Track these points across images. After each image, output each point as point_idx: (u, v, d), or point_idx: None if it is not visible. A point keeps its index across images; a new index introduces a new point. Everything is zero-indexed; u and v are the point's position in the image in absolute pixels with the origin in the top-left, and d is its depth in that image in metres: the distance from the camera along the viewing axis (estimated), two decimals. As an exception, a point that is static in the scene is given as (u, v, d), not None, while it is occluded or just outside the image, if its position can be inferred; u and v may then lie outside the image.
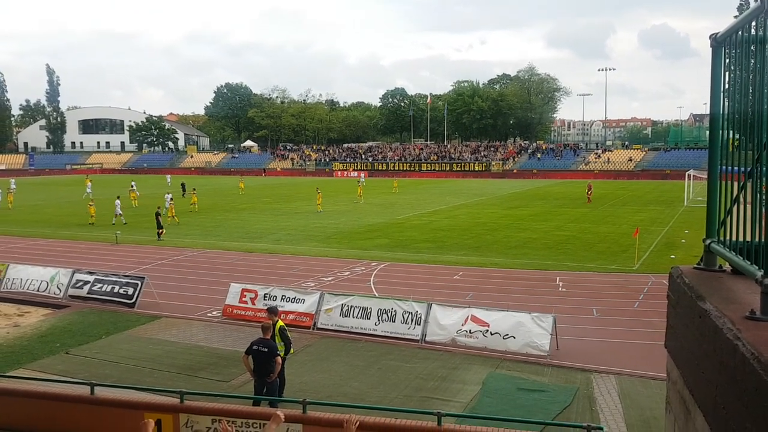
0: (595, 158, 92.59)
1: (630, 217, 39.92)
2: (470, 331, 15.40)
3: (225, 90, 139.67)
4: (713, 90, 2.92)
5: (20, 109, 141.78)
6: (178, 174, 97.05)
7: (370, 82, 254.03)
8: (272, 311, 12.39)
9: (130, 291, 19.74)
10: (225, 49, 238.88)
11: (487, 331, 15.23)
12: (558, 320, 15.17)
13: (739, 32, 2.61)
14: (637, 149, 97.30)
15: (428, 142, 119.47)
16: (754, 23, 2.40)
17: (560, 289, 21.31)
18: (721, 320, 2.23)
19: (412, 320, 16.15)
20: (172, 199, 42.43)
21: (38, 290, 20.89)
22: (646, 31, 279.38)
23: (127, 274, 21.44)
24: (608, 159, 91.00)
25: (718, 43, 2.88)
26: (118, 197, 40.11)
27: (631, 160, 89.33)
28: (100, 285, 20.20)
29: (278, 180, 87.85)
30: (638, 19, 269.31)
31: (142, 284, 19.87)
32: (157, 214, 32.73)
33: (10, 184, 61.32)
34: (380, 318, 16.49)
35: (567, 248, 28.95)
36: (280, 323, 12.03)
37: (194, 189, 50.30)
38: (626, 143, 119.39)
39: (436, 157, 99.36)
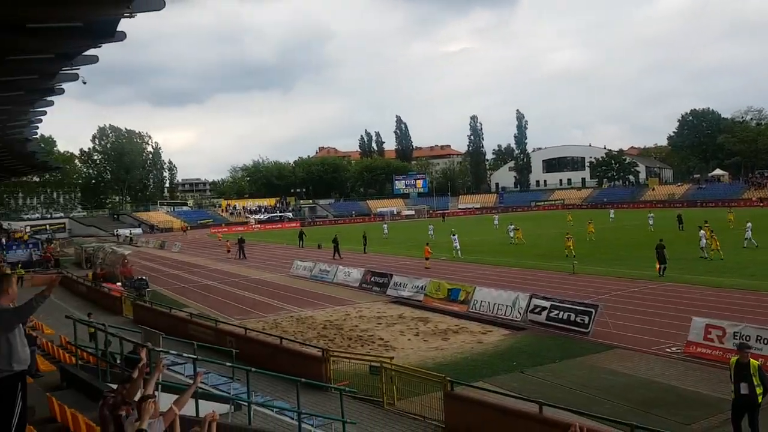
0: None
1: None
2: None
3: (690, 117, 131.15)
4: None
5: (493, 153, 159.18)
6: (631, 209, 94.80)
7: None
8: (742, 347, 10.53)
9: (585, 319, 19.52)
10: (687, 76, 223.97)
11: None
12: None
13: None
14: None
15: None
16: None
17: None
18: None
19: None
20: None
21: (500, 312, 22.41)
22: None
23: (581, 301, 21.30)
24: None
25: None
26: (704, 227, 35.31)
27: None
28: (556, 312, 20.54)
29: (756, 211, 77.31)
30: None
31: (596, 312, 19.49)
32: (662, 247, 29.72)
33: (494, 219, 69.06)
34: None
35: None
36: (754, 362, 10.12)
37: (590, 220, 52.52)
38: None
39: None
